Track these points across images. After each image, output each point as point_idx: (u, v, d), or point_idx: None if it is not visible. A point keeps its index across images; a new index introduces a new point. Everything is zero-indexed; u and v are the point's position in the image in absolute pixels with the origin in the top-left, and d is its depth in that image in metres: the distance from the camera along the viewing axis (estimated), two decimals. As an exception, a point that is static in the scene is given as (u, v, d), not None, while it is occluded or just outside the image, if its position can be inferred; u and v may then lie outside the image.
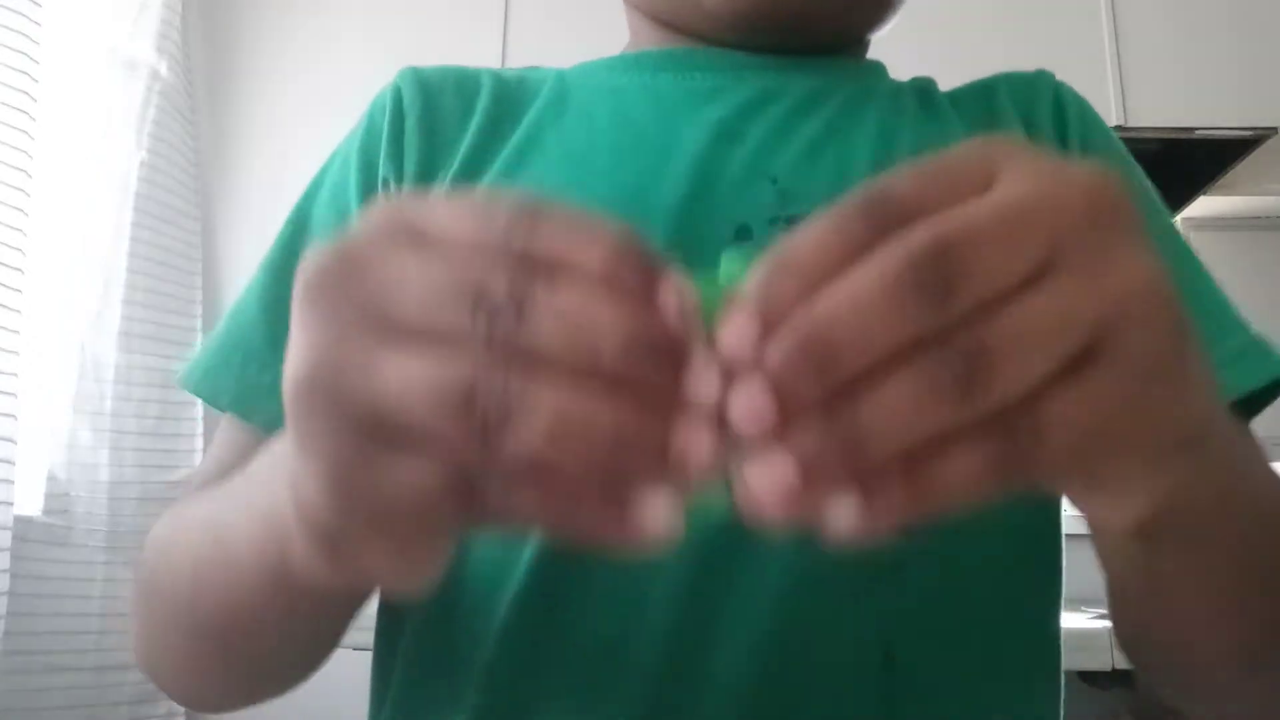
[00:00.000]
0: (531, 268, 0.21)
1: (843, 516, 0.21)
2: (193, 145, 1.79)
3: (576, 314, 0.20)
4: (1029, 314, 0.20)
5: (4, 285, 1.28)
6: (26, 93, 1.32)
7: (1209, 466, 0.26)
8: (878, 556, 0.24)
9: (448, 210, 0.22)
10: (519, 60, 1.85)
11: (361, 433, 0.22)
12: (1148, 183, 0.48)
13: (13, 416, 1.28)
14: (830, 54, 0.47)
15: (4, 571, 1.26)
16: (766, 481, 0.20)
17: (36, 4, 1.34)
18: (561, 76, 0.48)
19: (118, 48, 1.66)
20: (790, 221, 0.39)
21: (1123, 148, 0.49)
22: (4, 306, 1.28)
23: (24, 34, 1.32)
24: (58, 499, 1.53)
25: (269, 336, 0.43)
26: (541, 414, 0.20)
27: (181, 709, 1.63)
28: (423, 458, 0.21)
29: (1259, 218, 2.23)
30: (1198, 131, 1.78)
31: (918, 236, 0.20)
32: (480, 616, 0.38)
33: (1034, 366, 0.20)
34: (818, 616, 0.37)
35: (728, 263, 0.22)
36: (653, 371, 0.20)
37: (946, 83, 0.51)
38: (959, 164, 0.22)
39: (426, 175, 0.44)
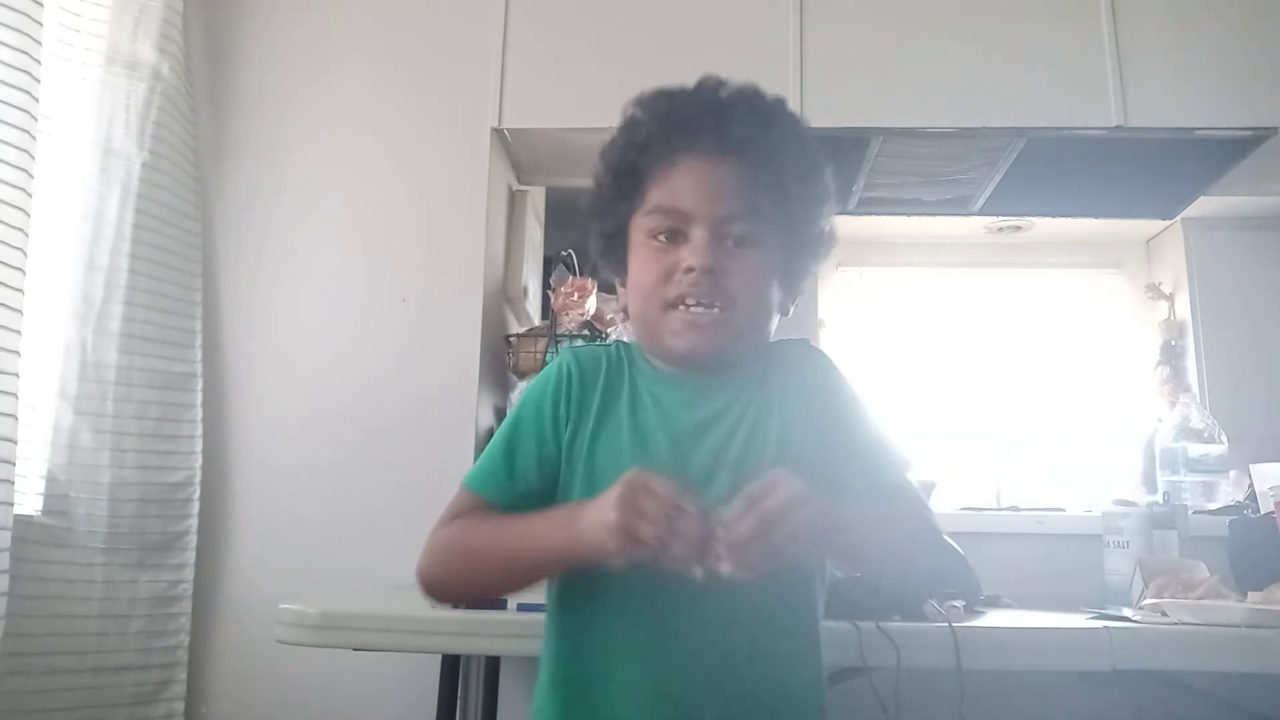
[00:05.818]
0: (676, 503, 0.76)
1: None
2: (193, 145, 1.79)
3: (687, 524, 0.75)
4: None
5: (5, 285, 1.28)
6: (27, 92, 1.32)
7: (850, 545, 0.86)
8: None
9: (652, 480, 0.76)
10: (519, 60, 1.85)
11: (629, 537, 0.75)
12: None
13: (13, 416, 1.28)
14: (741, 364, 0.94)
15: (4, 572, 1.25)
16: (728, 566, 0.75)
17: (38, 4, 1.35)
18: (633, 366, 0.96)
19: (118, 48, 1.66)
20: (714, 478, 0.89)
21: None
22: (4, 306, 1.28)
23: (25, 34, 1.32)
24: (58, 499, 1.53)
25: (507, 470, 0.92)
26: (674, 544, 0.75)
27: (180, 710, 1.64)
28: (640, 546, 0.75)
29: (1259, 218, 2.24)
30: (1198, 131, 1.78)
31: (755, 516, 0.76)
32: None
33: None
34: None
35: (720, 503, 0.78)
36: (694, 533, 0.76)
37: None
38: (764, 484, 0.77)
39: (581, 416, 0.92)
